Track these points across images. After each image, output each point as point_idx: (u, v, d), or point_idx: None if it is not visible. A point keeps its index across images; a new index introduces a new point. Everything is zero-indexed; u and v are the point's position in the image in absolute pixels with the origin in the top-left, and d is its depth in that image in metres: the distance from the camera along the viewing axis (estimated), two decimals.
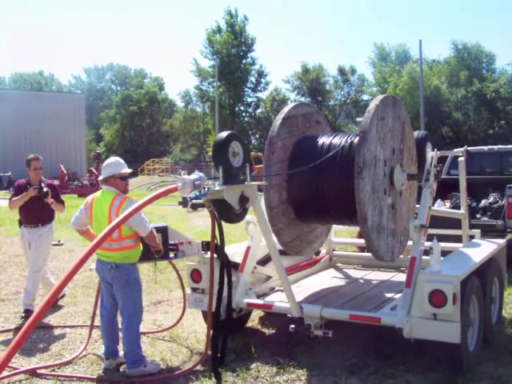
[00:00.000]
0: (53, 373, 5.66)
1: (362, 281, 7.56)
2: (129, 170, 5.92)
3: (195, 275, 6.33)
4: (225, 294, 5.60)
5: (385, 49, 62.80)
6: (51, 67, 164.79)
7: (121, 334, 5.82)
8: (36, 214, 7.73)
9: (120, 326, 5.86)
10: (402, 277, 7.01)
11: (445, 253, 6.20)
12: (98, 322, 6.29)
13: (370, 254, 6.53)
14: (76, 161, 44.87)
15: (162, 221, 13.77)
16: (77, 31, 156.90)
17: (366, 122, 5.79)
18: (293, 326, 5.80)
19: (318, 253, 8.27)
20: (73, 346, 6.38)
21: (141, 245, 5.78)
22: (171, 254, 6.14)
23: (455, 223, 7.83)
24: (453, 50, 56.79)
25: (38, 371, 5.74)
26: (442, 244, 5.76)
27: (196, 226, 15.35)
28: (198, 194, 4.91)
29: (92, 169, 32.45)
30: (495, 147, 13.29)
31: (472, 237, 7.74)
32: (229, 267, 5.68)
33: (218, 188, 4.96)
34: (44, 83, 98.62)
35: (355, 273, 8.02)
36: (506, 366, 5.71)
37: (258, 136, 67.31)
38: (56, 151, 41.39)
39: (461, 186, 7.82)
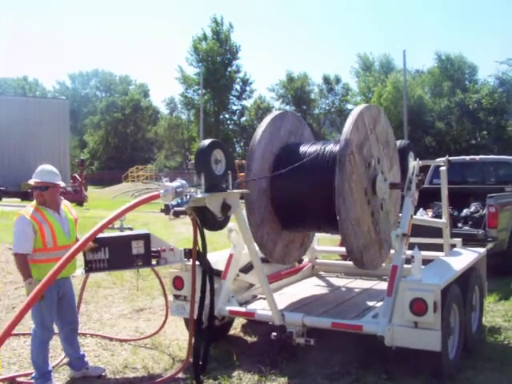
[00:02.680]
0: (32, 381, 5.60)
1: (344, 289, 7.58)
2: (36, 180, 5.54)
3: (177, 282, 6.32)
4: (207, 301, 5.60)
5: (368, 58, 63.22)
6: (35, 72, 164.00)
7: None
8: None
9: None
10: (383, 285, 7.04)
11: (426, 261, 6.25)
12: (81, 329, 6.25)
13: (352, 263, 6.56)
14: (60, 167, 44.11)
15: (144, 228, 13.70)
16: (61, 37, 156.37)
17: (342, 155, 5.80)
18: (275, 333, 5.82)
19: (300, 261, 8.28)
20: (53, 354, 6.31)
21: (36, 264, 5.38)
22: (153, 261, 6.12)
23: (437, 232, 7.89)
24: (436, 61, 57.40)
25: (18, 379, 5.69)
26: (424, 253, 5.80)
27: (179, 233, 15.28)
28: (180, 201, 4.92)
29: (76, 175, 32.15)
30: (477, 157, 13.44)
31: (453, 246, 7.80)
32: (211, 275, 5.68)
33: (199, 195, 4.97)
34: (28, 88, 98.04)
35: (337, 281, 8.04)
36: (486, 373, 5.77)
37: (242, 144, 67.27)
38: (40, 157, 40.70)
39: (442, 196, 7.88)
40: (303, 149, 6.64)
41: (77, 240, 5.67)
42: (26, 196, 34.78)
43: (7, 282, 9.74)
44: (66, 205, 5.84)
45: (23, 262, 5.32)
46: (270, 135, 6.68)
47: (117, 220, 5.19)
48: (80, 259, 5.85)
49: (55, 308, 5.59)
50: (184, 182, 4.91)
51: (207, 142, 5.24)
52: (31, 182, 5.57)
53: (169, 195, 4.79)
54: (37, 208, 5.53)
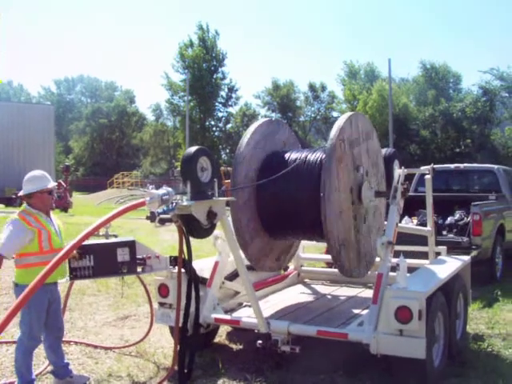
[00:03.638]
0: None
1: (329, 297, 7.59)
2: (53, 184, 5.66)
3: (163, 290, 6.29)
4: (192, 309, 5.57)
5: (354, 66, 63.55)
6: (20, 77, 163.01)
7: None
8: None
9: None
10: (369, 293, 7.07)
11: (411, 269, 6.27)
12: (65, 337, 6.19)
13: (337, 270, 6.57)
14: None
15: (129, 235, 13.65)
16: (47, 42, 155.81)
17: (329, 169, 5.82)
18: (260, 341, 5.81)
19: (286, 268, 8.28)
20: (37, 362, 6.24)
21: (29, 268, 5.33)
22: (139, 269, 6.08)
23: (422, 240, 7.93)
24: (421, 70, 57.86)
25: None
26: (409, 260, 5.83)
27: (164, 240, 15.26)
28: (165, 208, 4.91)
29: (60, 181, 31.94)
30: (461, 165, 13.56)
31: (438, 253, 7.84)
32: (196, 282, 5.66)
33: (185, 203, 4.97)
34: (13, 94, 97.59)
35: (323, 289, 8.05)
36: (470, 381, 5.80)
37: (228, 151, 67.25)
38: (24, 163, 40.53)
39: (427, 204, 7.93)
40: (290, 156, 6.65)
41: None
42: (10, 202, 34.57)
43: None
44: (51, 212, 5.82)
45: None
46: (257, 142, 6.68)
47: (103, 227, 5.17)
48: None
49: (44, 316, 5.53)
50: (170, 189, 4.89)
51: (193, 149, 5.24)
52: (38, 188, 5.48)
53: (154, 202, 4.78)
54: (30, 213, 5.49)
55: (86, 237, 4.42)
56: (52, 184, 5.60)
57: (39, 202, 5.53)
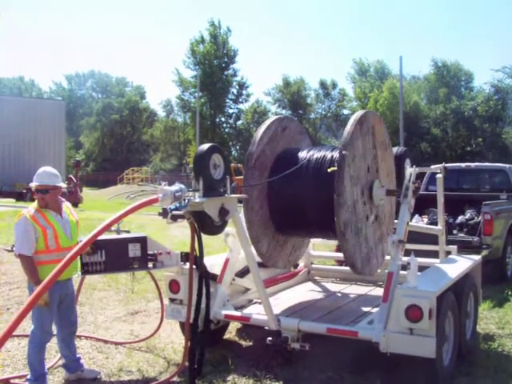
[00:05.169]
0: (27, 383, 5.59)
1: (339, 294, 7.60)
2: (36, 184, 5.51)
3: (173, 286, 6.31)
4: (203, 305, 5.60)
5: (364, 64, 63.35)
6: (32, 73, 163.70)
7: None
8: None
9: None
10: (379, 291, 7.06)
11: (422, 268, 6.27)
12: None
13: (347, 268, 6.57)
14: (55, 168, 44.23)
15: (140, 230, 13.70)
16: (58, 37, 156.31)
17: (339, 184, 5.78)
18: (270, 338, 5.82)
19: (296, 266, 8.29)
20: (48, 356, 6.29)
21: (40, 266, 5.36)
22: (150, 265, 6.11)
23: (432, 239, 7.91)
24: (432, 67, 57.65)
25: (12, 381, 5.68)
26: (419, 259, 5.82)
27: (174, 236, 15.28)
28: (178, 205, 4.93)
29: (71, 176, 32.03)
30: (472, 164, 13.51)
31: (448, 253, 7.82)
32: (207, 279, 5.68)
33: (198, 200, 4.99)
34: (24, 89, 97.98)
35: (333, 286, 8.06)
36: (480, 380, 5.80)
37: (238, 147, 67.33)
38: (35, 158, 40.70)
39: (438, 202, 7.91)
40: (302, 154, 6.65)
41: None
42: (20, 196, 34.74)
43: (2, 283, 9.72)
44: (67, 206, 5.84)
45: (29, 264, 5.32)
46: (269, 139, 6.70)
47: (116, 223, 5.20)
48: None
49: (55, 310, 5.58)
50: (183, 186, 4.92)
51: (206, 146, 5.26)
52: (32, 185, 5.56)
53: (167, 199, 4.80)
54: (38, 210, 5.52)
55: (100, 233, 4.46)
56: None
57: (39, 200, 5.57)
